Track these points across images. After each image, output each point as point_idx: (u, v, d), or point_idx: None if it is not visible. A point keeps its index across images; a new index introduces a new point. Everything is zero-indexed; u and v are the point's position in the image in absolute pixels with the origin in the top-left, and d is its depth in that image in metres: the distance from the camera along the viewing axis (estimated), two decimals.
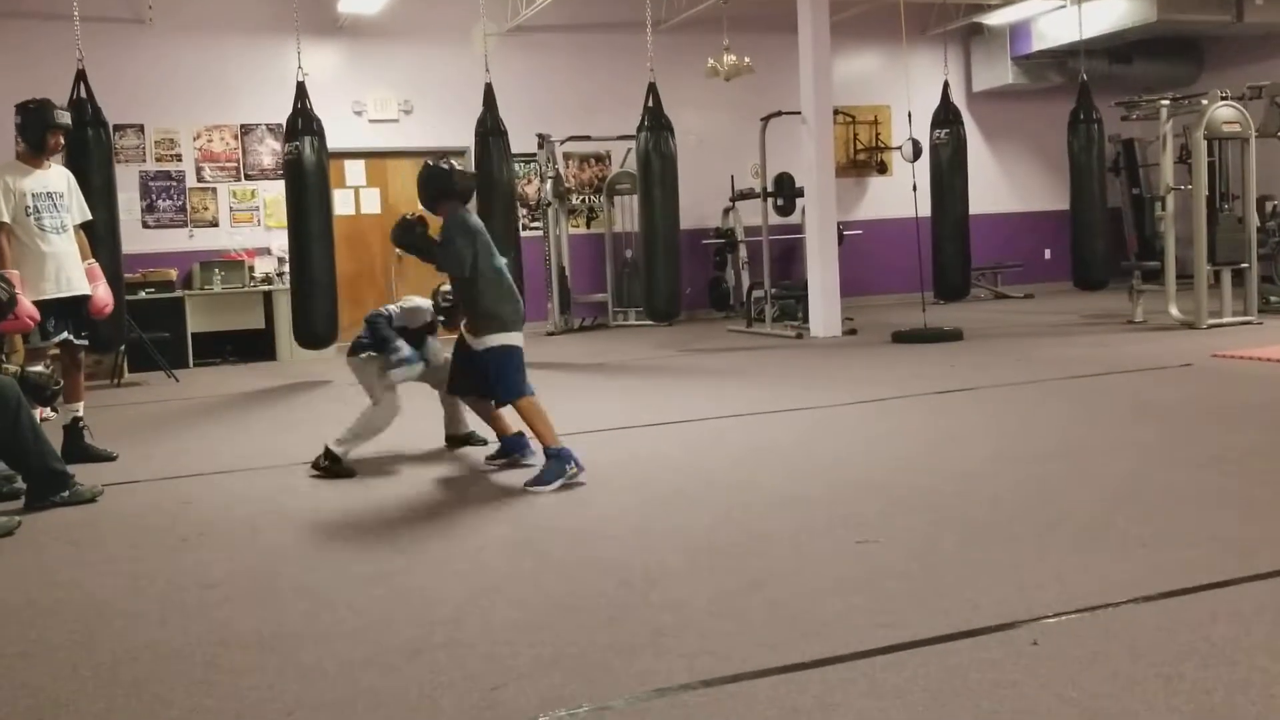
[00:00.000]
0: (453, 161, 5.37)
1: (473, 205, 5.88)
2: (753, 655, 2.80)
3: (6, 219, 5.58)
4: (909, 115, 10.80)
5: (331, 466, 5.38)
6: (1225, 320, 9.84)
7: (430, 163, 5.30)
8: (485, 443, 5.78)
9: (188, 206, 11.71)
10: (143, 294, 10.62)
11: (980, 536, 3.79)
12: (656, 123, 10.15)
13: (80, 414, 6.00)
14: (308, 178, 9.22)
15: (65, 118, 5.90)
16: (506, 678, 2.74)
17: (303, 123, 9.22)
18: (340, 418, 7.18)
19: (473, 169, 5.03)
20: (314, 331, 9.45)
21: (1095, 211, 11.87)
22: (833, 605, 3.15)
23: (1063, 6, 12.86)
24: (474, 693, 2.66)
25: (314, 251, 9.28)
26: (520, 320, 5.21)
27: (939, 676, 2.61)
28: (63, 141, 5.90)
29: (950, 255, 12.02)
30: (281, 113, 9.47)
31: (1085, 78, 11.88)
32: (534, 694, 2.63)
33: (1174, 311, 9.93)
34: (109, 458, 5.97)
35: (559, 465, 4.88)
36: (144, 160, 11.54)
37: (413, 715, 2.55)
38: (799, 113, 10.86)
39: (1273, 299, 10.94)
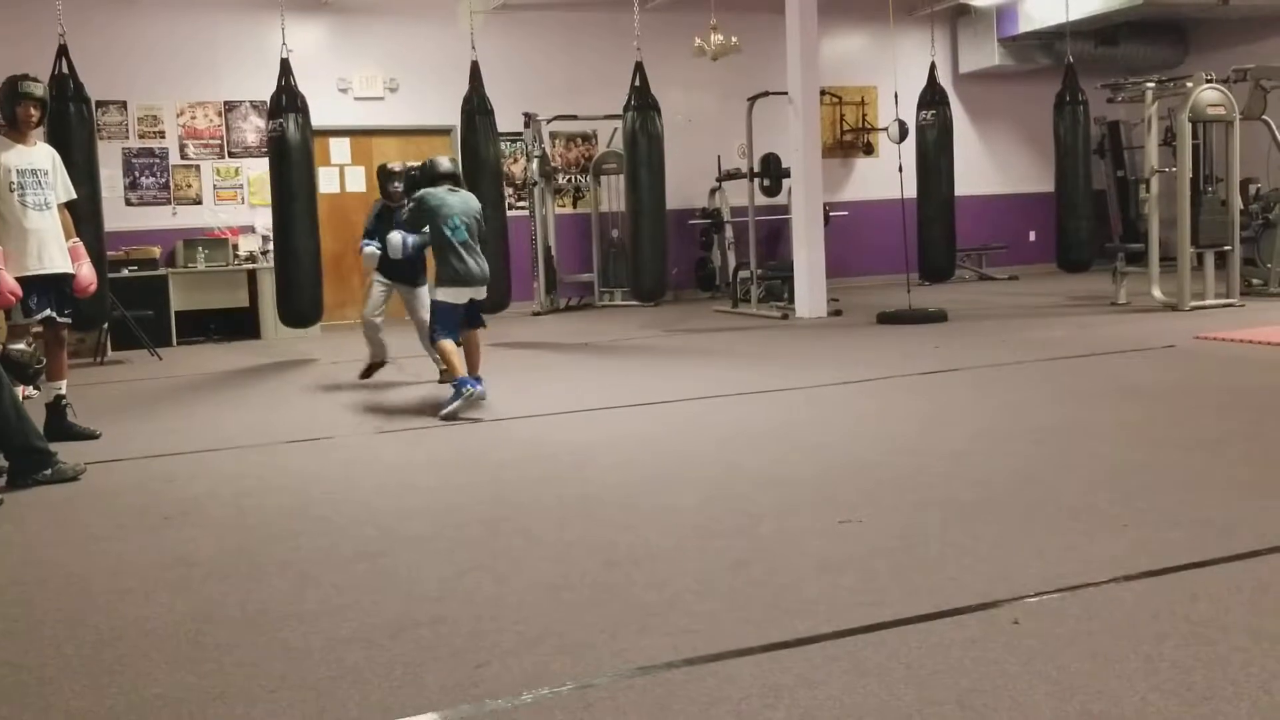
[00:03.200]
0: (435, 158, 6.73)
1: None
2: (736, 634, 2.81)
3: None
4: (895, 96, 10.80)
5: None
6: (1208, 302, 9.89)
7: (414, 170, 6.97)
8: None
9: (171, 184, 11.65)
10: (126, 272, 10.57)
11: (963, 516, 3.81)
12: (643, 102, 10.12)
13: (63, 392, 5.97)
14: (292, 155, 9.13)
15: (35, 89, 5.74)
16: (491, 655, 2.74)
17: (286, 100, 9.14)
18: (329, 398, 7.18)
19: (447, 157, 6.91)
20: (298, 310, 9.35)
21: (1080, 193, 11.89)
22: (816, 584, 3.17)
23: None
24: (458, 670, 2.66)
25: (298, 229, 9.19)
26: (461, 281, 6.38)
27: (920, 655, 2.62)
28: (34, 113, 5.76)
29: (935, 237, 12.02)
30: (266, 90, 9.40)
31: (1071, 60, 11.89)
32: (518, 671, 2.64)
33: (1157, 293, 9.98)
34: (92, 436, 5.95)
35: (459, 391, 6.21)
36: (127, 137, 11.47)
37: (396, 692, 2.56)
38: (786, 93, 10.84)
39: (1255, 281, 11.00)
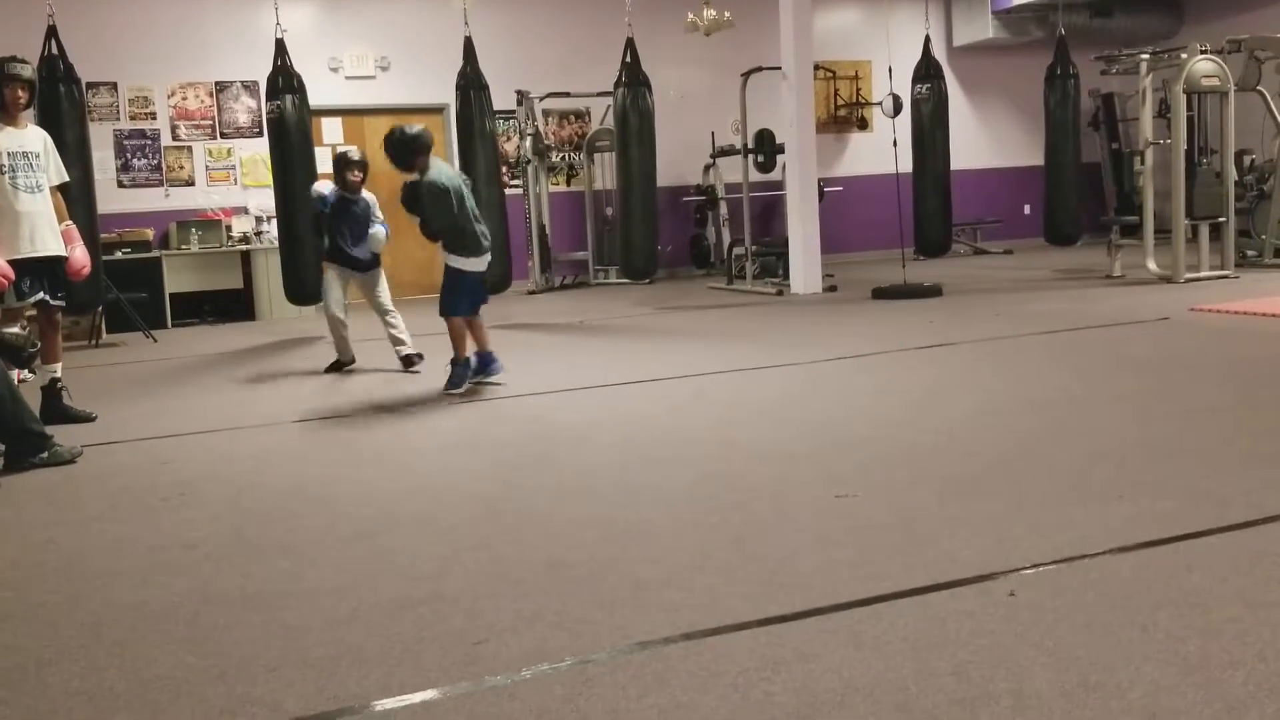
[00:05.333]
0: (411, 127, 6.31)
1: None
2: (733, 608, 2.82)
3: None
4: (890, 70, 10.78)
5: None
6: (1202, 275, 9.89)
7: (394, 133, 6.22)
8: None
9: (163, 165, 11.60)
10: (119, 254, 10.56)
11: (959, 490, 3.82)
12: (634, 79, 10.08)
13: (58, 375, 5.97)
14: (291, 135, 9.16)
15: (22, 70, 5.71)
16: (489, 633, 2.75)
17: (283, 81, 9.14)
18: (324, 378, 7.18)
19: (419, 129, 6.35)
20: (304, 288, 9.42)
21: (1068, 167, 11.87)
22: (812, 558, 3.18)
23: None
24: (457, 648, 2.67)
25: (300, 209, 9.21)
26: (482, 250, 6.25)
27: (917, 627, 2.63)
28: (22, 95, 5.70)
29: (930, 211, 12.02)
30: (257, 70, 9.39)
31: (1063, 32, 11.85)
32: (517, 648, 2.65)
33: (1152, 266, 9.97)
34: (88, 419, 5.95)
35: (462, 372, 6.26)
36: (118, 118, 11.42)
37: (396, 671, 2.56)
38: (780, 68, 10.80)
39: (1250, 253, 10.99)
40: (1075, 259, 12.39)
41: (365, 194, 7.23)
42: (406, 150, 6.14)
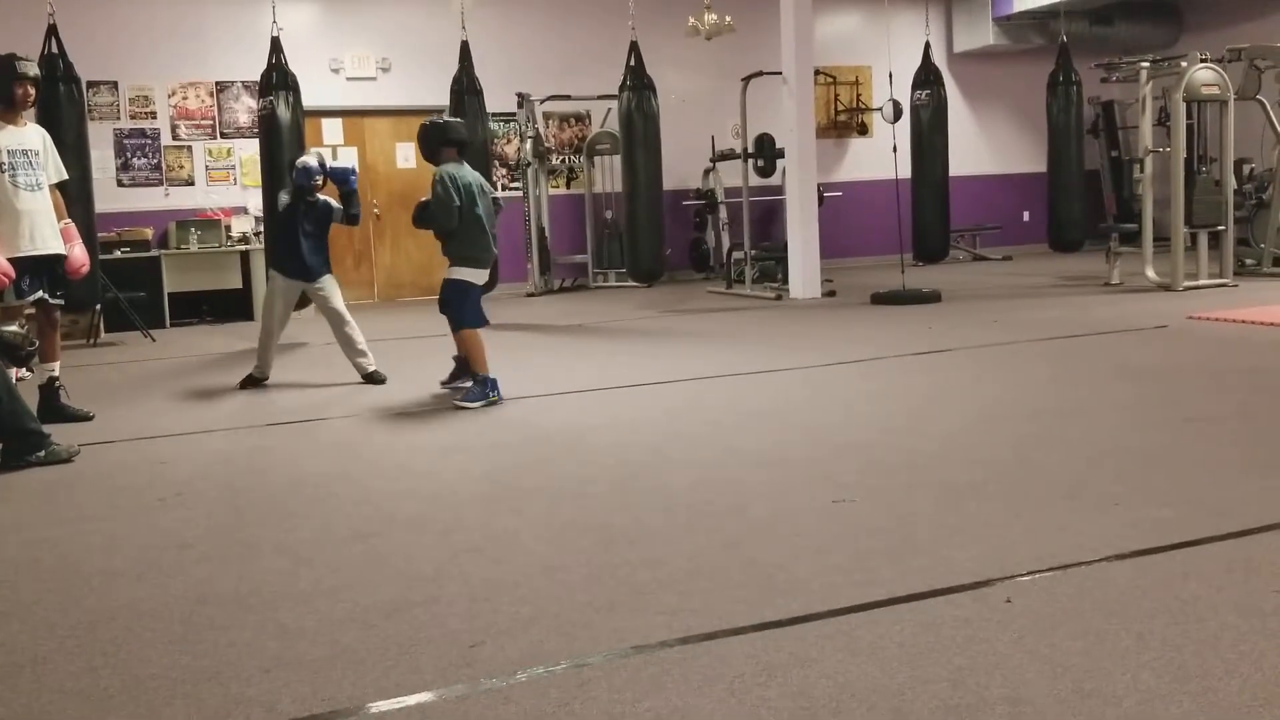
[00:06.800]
0: (445, 117, 6.26)
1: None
2: (730, 613, 2.82)
3: None
4: (890, 76, 10.78)
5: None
6: (1201, 282, 9.89)
7: (426, 121, 6.17)
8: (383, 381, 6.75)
9: (163, 164, 11.60)
10: (118, 253, 10.55)
11: (956, 496, 3.81)
12: (639, 82, 10.09)
13: (56, 374, 5.97)
14: (282, 134, 9.10)
15: (31, 68, 5.75)
16: (485, 635, 2.75)
17: (277, 78, 9.12)
18: (321, 379, 7.18)
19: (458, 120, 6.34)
20: None
21: (1073, 174, 11.89)
22: (809, 563, 3.18)
23: None
24: (453, 650, 2.67)
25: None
26: (483, 262, 6.08)
27: (913, 633, 2.63)
28: (31, 92, 5.74)
29: (929, 217, 12.03)
30: (257, 70, 9.37)
31: (1065, 39, 11.87)
32: (513, 651, 2.65)
33: (1150, 274, 9.98)
34: (85, 418, 5.94)
35: (482, 390, 5.91)
36: (118, 118, 11.42)
37: (391, 672, 2.56)
38: (780, 73, 10.81)
39: (1248, 261, 11.00)
40: (1074, 266, 12.40)
41: (322, 197, 6.88)
42: (432, 138, 6.01)
